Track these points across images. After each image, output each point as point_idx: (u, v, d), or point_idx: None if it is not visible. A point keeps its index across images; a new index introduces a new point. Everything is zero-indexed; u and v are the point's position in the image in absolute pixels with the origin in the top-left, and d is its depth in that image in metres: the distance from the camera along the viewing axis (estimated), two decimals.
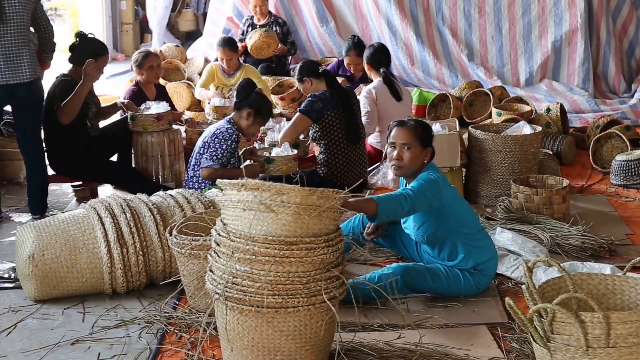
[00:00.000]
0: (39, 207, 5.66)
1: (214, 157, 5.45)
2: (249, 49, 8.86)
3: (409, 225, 4.31)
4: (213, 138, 5.51)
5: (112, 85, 10.21)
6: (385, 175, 6.39)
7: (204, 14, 11.74)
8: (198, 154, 5.56)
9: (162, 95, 6.88)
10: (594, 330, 2.86)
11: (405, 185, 4.29)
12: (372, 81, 6.84)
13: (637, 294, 3.24)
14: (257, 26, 9.15)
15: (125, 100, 6.36)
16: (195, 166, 5.56)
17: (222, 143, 5.47)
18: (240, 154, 5.69)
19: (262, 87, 7.90)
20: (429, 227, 4.20)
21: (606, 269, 4.34)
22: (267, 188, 3.19)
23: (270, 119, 7.04)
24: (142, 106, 6.19)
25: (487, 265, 4.27)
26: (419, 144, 4.16)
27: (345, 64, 7.83)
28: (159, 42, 11.29)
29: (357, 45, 7.56)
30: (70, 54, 5.93)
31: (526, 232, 5.03)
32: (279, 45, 8.98)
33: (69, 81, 5.81)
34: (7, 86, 5.39)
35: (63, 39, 9.79)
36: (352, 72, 7.73)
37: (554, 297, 3.00)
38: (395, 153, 4.19)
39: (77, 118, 5.82)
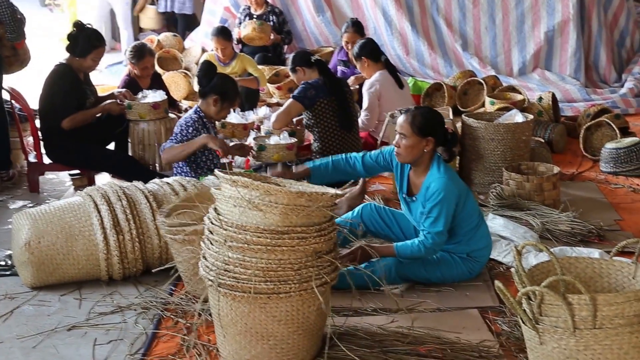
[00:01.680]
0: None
1: (174, 138, 5.32)
2: (241, 37, 8.84)
3: (414, 216, 4.28)
4: (177, 127, 5.41)
5: (110, 74, 10.17)
6: None
7: (169, 13, 11.65)
8: None
9: (157, 83, 6.84)
10: (581, 312, 2.85)
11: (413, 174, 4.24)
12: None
13: (623, 276, 3.23)
14: (254, 16, 9.12)
15: (123, 90, 6.34)
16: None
17: (182, 127, 5.33)
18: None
19: (259, 76, 7.92)
20: None
21: (594, 253, 4.34)
22: (256, 187, 3.17)
23: (267, 108, 7.04)
24: (139, 95, 6.16)
25: (481, 253, 4.26)
26: (415, 133, 4.09)
27: (343, 43, 7.84)
28: (128, 42, 11.09)
29: (355, 23, 7.79)
30: (68, 43, 5.91)
31: (517, 218, 5.03)
32: (272, 37, 8.96)
33: (67, 68, 5.80)
34: None
35: (61, 28, 9.76)
36: (349, 50, 7.68)
37: (542, 280, 2.99)
38: (395, 141, 4.19)
39: (76, 108, 5.81)
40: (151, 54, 6.79)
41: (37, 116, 6.26)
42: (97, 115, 5.99)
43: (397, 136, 4.16)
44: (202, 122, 5.39)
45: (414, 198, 4.22)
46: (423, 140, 4.11)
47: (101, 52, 5.97)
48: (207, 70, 5.53)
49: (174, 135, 5.36)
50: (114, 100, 6.09)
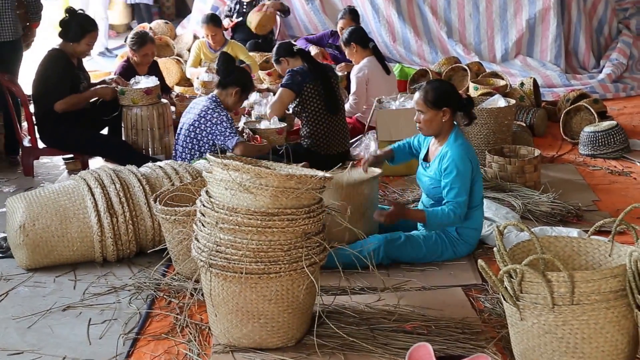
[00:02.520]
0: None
1: (232, 133, 5.22)
2: (252, 28, 8.80)
3: (424, 181, 4.33)
4: (206, 122, 5.28)
5: (104, 61, 10.12)
6: (367, 146, 6.37)
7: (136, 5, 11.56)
8: (188, 135, 5.38)
9: (154, 71, 6.81)
10: (560, 288, 2.86)
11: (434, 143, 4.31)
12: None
13: (600, 254, 3.25)
14: (244, 4, 9.07)
15: (115, 76, 6.30)
16: (185, 142, 5.42)
17: (224, 121, 5.24)
18: None
19: (250, 63, 7.89)
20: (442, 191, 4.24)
21: (573, 232, 4.35)
22: (247, 170, 3.16)
23: (258, 94, 7.02)
24: (132, 80, 6.13)
25: (470, 234, 4.29)
26: (430, 107, 4.20)
27: (338, 29, 7.86)
28: (105, 37, 11.00)
29: (352, 11, 7.90)
30: (60, 29, 5.88)
31: (500, 199, 5.04)
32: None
33: (61, 53, 5.79)
34: None
35: (54, 15, 9.67)
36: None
37: (523, 259, 3.00)
38: (415, 117, 4.29)
39: (69, 91, 5.79)
40: (152, 42, 6.76)
41: (31, 101, 6.23)
42: (91, 100, 5.97)
43: (416, 113, 4.28)
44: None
45: (428, 164, 4.32)
46: (439, 111, 4.20)
47: (94, 36, 5.95)
48: (227, 61, 5.52)
49: (229, 133, 5.22)
50: (107, 85, 6.06)
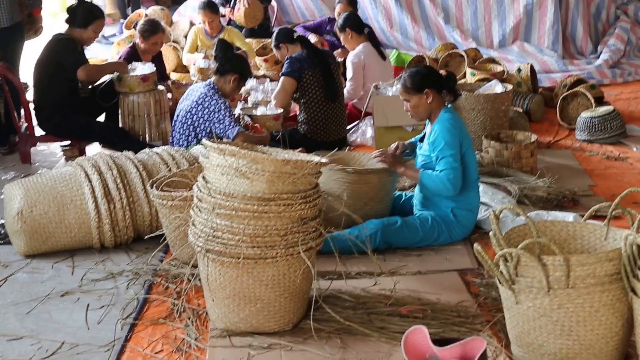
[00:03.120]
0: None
1: (232, 122, 5.21)
2: (244, 24, 8.75)
3: (419, 161, 4.38)
4: (203, 110, 5.26)
5: (100, 47, 10.10)
6: (364, 132, 6.38)
7: None
8: (185, 122, 5.37)
9: (157, 60, 6.81)
10: (555, 272, 2.88)
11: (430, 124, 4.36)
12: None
13: (595, 238, 3.26)
14: None
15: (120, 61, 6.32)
16: (182, 129, 5.41)
17: (222, 108, 5.22)
18: None
19: (247, 49, 7.87)
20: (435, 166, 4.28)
21: (569, 217, 4.37)
22: (243, 156, 3.17)
23: (254, 80, 7.02)
24: (128, 67, 6.13)
25: (465, 215, 4.31)
26: (412, 93, 4.28)
27: (335, 14, 7.85)
28: None
29: None
30: (67, 15, 5.90)
31: (496, 184, 5.04)
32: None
33: (70, 40, 5.82)
34: None
35: (54, 6, 9.66)
36: None
37: (519, 243, 3.02)
38: (404, 108, 4.38)
39: (73, 81, 5.79)
40: (163, 32, 6.76)
41: (28, 89, 6.24)
42: (104, 76, 5.99)
43: (404, 102, 4.36)
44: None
45: (423, 144, 4.37)
46: (422, 95, 4.27)
47: (101, 24, 6.02)
48: (225, 48, 5.49)
49: (228, 122, 5.20)
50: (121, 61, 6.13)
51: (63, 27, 5.96)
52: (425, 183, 4.22)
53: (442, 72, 4.55)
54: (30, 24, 6.38)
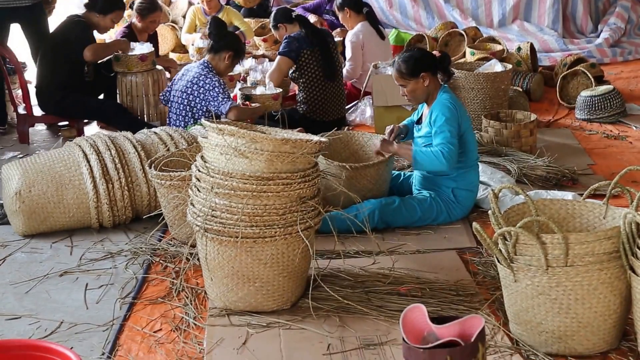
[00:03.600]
0: None
1: (225, 98, 5.18)
2: (242, 4, 8.69)
3: (418, 143, 4.35)
4: (199, 89, 5.23)
5: None
6: (363, 112, 6.37)
7: None
8: (181, 102, 5.33)
9: (153, 39, 6.78)
10: (554, 250, 2.87)
11: (426, 107, 4.34)
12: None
13: (594, 217, 3.26)
14: None
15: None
16: (179, 110, 5.38)
17: (216, 86, 5.20)
18: None
19: (245, 29, 7.83)
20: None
21: (568, 195, 4.36)
22: (242, 135, 3.16)
23: (253, 60, 6.99)
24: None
25: (464, 195, 4.30)
26: (408, 78, 4.24)
27: None
28: None
29: None
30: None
31: (495, 163, 5.04)
32: None
33: (84, 23, 5.83)
34: (10, 8, 5.94)
35: None
36: None
37: (518, 222, 3.01)
38: (401, 93, 4.35)
39: (80, 62, 5.80)
40: (161, 10, 6.73)
41: (26, 69, 6.22)
42: (111, 52, 5.99)
43: (400, 87, 4.33)
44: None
45: (420, 126, 4.35)
46: (418, 79, 4.23)
47: (121, 15, 6.11)
48: (218, 25, 5.45)
49: (222, 98, 5.17)
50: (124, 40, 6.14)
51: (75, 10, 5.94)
52: (419, 159, 4.17)
53: (435, 52, 4.53)
54: (45, 2, 6.38)
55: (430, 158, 4.13)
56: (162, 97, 5.58)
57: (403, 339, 2.46)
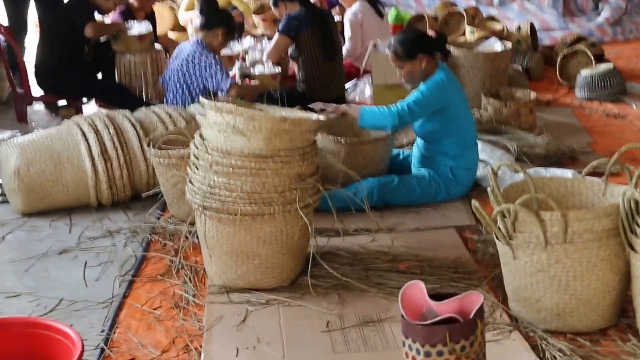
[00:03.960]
0: None
1: (224, 76, 5.17)
2: None
3: (415, 123, 4.34)
4: (194, 67, 5.21)
5: None
6: (363, 91, 6.35)
7: None
8: (178, 81, 5.31)
9: (151, 18, 6.74)
10: (553, 227, 2.87)
11: None
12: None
13: (593, 194, 3.25)
14: None
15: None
16: (176, 89, 5.36)
17: (213, 63, 5.18)
18: None
19: (243, 9, 7.79)
20: (430, 124, 4.25)
21: (567, 173, 4.35)
22: (240, 113, 3.15)
23: (252, 39, 6.95)
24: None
25: (463, 174, 4.30)
26: (405, 60, 4.23)
27: None
28: None
29: None
30: None
31: (495, 142, 5.02)
32: None
33: (86, 2, 5.82)
34: None
35: None
36: None
37: (517, 199, 3.00)
38: (398, 74, 4.35)
39: (81, 41, 5.76)
40: None
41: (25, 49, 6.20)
42: (108, 34, 5.98)
43: (396, 70, 4.32)
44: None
45: None
46: (415, 60, 4.23)
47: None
48: (209, 2, 5.42)
49: (221, 75, 5.16)
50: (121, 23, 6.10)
51: None
52: (365, 114, 4.15)
53: (431, 32, 4.51)
54: None
55: (376, 114, 4.14)
56: (161, 81, 5.55)
57: (402, 316, 2.46)
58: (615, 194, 3.17)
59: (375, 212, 3.99)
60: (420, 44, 4.23)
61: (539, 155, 4.87)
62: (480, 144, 4.82)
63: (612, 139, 5.33)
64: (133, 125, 4.41)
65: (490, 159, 4.65)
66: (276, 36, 5.96)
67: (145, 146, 4.23)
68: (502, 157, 4.67)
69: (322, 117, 3.37)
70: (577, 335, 2.96)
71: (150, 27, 6.10)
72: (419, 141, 4.41)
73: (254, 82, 5.56)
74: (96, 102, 6.21)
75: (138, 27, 6.02)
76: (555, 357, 2.81)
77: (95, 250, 3.87)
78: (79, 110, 6.02)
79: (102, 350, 2.98)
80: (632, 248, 2.85)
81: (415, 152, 4.43)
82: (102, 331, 3.11)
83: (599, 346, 2.90)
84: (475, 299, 2.48)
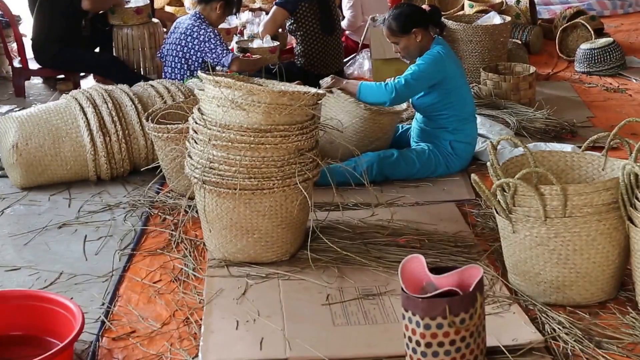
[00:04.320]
0: None
1: (224, 50, 5.15)
2: None
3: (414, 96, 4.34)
4: (193, 40, 5.18)
5: None
6: (361, 65, 6.33)
7: None
8: (176, 55, 5.28)
9: None
10: (552, 201, 2.87)
11: None
12: None
13: (593, 168, 3.25)
14: None
15: None
16: (174, 63, 5.33)
17: (212, 37, 5.15)
18: None
19: None
20: (429, 98, 4.24)
21: (567, 147, 4.35)
22: (239, 87, 3.13)
23: (250, 13, 6.91)
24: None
25: (462, 147, 4.30)
26: (400, 35, 4.23)
27: None
28: None
29: None
30: None
31: (494, 116, 5.02)
32: None
33: None
34: None
35: None
36: None
37: (516, 173, 2.99)
38: (394, 50, 4.36)
39: (78, 15, 5.72)
40: None
41: (20, 22, 6.14)
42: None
43: (392, 45, 4.32)
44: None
45: None
46: (410, 35, 4.22)
47: None
48: None
49: (220, 50, 5.13)
50: None
51: None
52: (364, 91, 4.15)
53: (425, 6, 4.49)
54: None
55: (374, 89, 4.13)
56: (159, 55, 5.52)
57: (402, 289, 2.46)
58: (614, 168, 3.17)
59: (375, 186, 4.00)
60: (414, 18, 4.21)
61: (538, 129, 4.86)
62: (479, 119, 4.81)
63: (612, 113, 5.32)
64: (131, 99, 4.39)
65: (490, 133, 4.64)
66: (273, 8, 5.92)
67: (143, 120, 4.21)
68: (502, 132, 4.66)
69: (321, 92, 3.36)
70: (577, 309, 2.97)
71: (148, 0, 6.06)
72: (418, 116, 4.41)
73: (255, 57, 5.52)
74: (94, 77, 6.18)
75: (135, 1, 5.98)
76: (554, 330, 2.82)
77: (94, 224, 3.87)
78: (76, 85, 5.99)
79: (103, 323, 2.98)
80: (632, 222, 2.86)
81: (414, 126, 4.43)
82: (103, 304, 3.12)
83: (598, 319, 2.91)
84: (474, 272, 2.49)
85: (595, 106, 5.48)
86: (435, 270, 2.54)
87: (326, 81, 4.33)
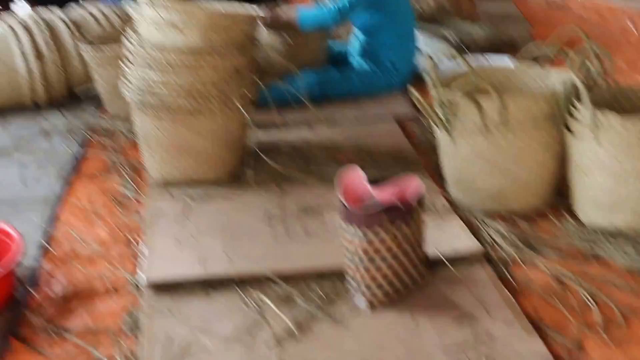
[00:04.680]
0: None
1: None
2: None
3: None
4: None
5: None
6: None
7: None
8: None
9: None
10: (491, 112, 2.88)
11: None
12: None
13: (532, 80, 3.25)
14: None
15: None
16: None
17: None
18: None
19: None
20: (368, 15, 4.19)
21: (506, 59, 4.36)
22: (175, 8, 3.06)
23: None
24: None
25: (403, 65, 4.29)
26: None
27: None
28: None
29: None
30: None
31: (435, 33, 4.98)
32: None
33: None
34: None
35: None
36: None
37: (456, 87, 2.99)
38: None
39: None
40: None
41: None
42: None
43: None
44: None
45: None
46: None
47: None
48: None
49: None
50: None
51: None
52: (306, 19, 4.08)
53: None
54: None
55: (316, 14, 4.06)
56: None
57: (341, 202, 2.46)
58: (553, 79, 3.18)
59: (315, 105, 3.96)
60: None
61: (478, 44, 4.86)
62: (420, 36, 4.79)
63: (554, 28, 5.30)
64: (66, 24, 4.28)
65: (429, 48, 4.62)
66: None
67: (79, 44, 4.10)
68: (441, 47, 4.64)
69: (261, 13, 3.29)
70: (515, 217, 3.01)
71: None
72: (357, 33, 4.35)
73: None
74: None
75: None
76: (494, 239, 2.86)
77: (32, 149, 3.78)
78: (5, 6, 5.79)
79: (43, 246, 2.94)
80: (569, 130, 2.88)
81: (353, 43, 4.38)
82: (43, 229, 3.07)
83: (536, 226, 2.96)
84: (414, 184, 2.50)
85: (537, 21, 5.50)
86: (375, 182, 2.54)
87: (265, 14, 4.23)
